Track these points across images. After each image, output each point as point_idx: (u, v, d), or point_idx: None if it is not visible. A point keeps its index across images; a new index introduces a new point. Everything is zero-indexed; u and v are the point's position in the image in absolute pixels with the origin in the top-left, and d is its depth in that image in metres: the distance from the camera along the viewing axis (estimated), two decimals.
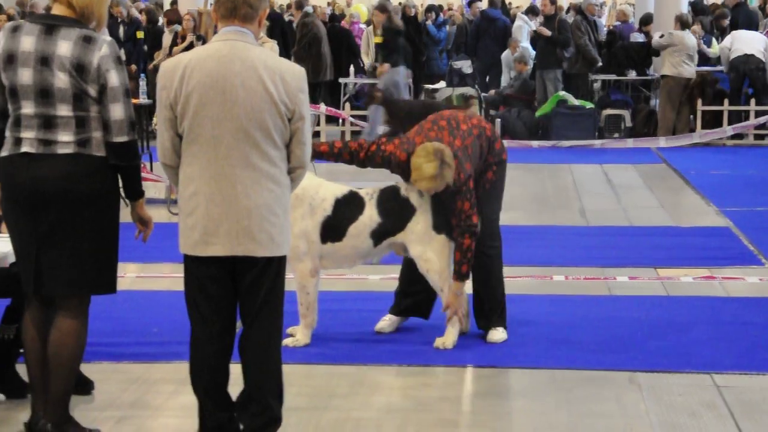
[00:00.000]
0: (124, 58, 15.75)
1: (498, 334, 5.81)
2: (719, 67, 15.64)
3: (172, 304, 6.01)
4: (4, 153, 4.29)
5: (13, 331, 4.85)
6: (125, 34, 16.32)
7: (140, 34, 16.23)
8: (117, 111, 4.24)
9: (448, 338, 5.67)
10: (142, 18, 16.78)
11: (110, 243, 4.35)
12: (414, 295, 5.96)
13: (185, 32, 14.55)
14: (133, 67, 15.34)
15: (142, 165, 10.95)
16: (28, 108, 4.23)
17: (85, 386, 4.97)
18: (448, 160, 5.39)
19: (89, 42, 4.22)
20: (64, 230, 4.24)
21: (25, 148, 4.23)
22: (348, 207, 5.65)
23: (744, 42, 14.79)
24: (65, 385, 4.35)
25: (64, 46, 4.20)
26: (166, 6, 20.10)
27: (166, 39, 15.21)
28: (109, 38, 4.31)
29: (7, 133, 4.29)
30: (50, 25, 4.24)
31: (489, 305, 5.88)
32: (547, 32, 15.26)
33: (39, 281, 4.28)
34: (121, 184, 4.39)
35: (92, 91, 4.23)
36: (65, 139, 4.22)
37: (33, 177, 4.21)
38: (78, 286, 4.32)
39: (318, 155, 5.70)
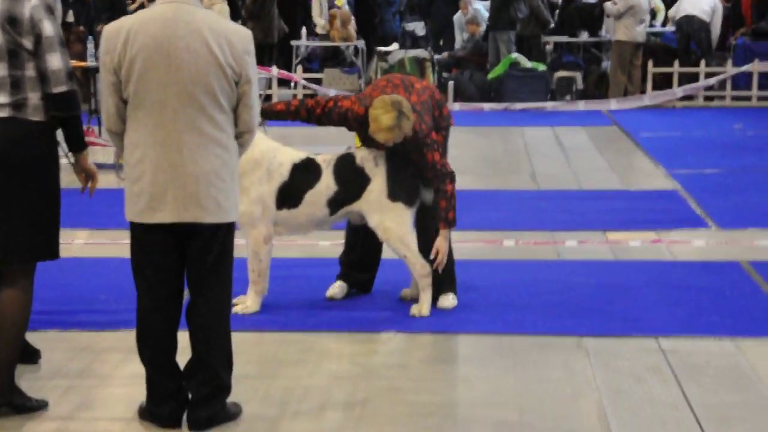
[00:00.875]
0: (72, 19, 15.58)
1: (448, 301, 5.83)
2: (670, 28, 15.74)
3: (120, 270, 5.96)
4: None
5: None
6: None
7: None
8: (54, 61, 4.20)
9: (423, 306, 5.66)
10: None
11: (48, 209, 4.30)
12: (359, 269, 5.98)
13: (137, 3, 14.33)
14: (81, 28, 15.08)
15: (90, 129, 10.85)
16: None
17: (31, 356, 4.92)
18: (406, 111, 5.40)
19: None
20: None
21: None
22: (305, 173, 5.61)
23: (689, 2, 14.88)
24: (10, 355, 4.32)
25: None
26: None
27: None
28: None
29: None
30: None
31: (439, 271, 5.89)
32: None
33: None
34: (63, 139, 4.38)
35: (27, 43, 4.18)
36: (1, 101, 4.17)
37: None
38: (15, 253, 4.27)
39: (275, 115, 5.71)
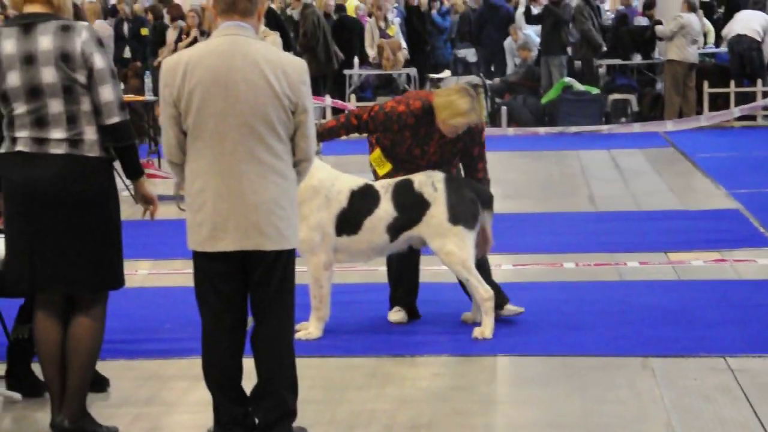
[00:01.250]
0: (129, 55, 15.86)
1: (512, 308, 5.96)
2: (723, 49, 15.61)
3: (184, 300, 6.01)
4: (2, 150, 4.36)
5: (28, 330, 4.88)
6: (130, 31, 16.36)
7: (144, 31, 16.26)
8: (106, 93, 4.28)
9: (486, 328, 5.64)
10: (147, 16, 16.79)
11: (110, 241, 4.37)
12: (405, 302, 6.05)
13: (189, 28, 14.57)
14: (138, 63, 15.35)
15: (149, 161, 11.01)
16: (20, 108, 4.28)
17: (100, 384, 4.99)
18: (474, 95, 5.52)
19: (68, 30, 4.27)
20: (58, 231, 4.29)
21: (19, 147, 4.29)
22: (364, 200, 5.64)
23: (739, 22, 14.77)
24: (82, 381, 4.40)
25: (45, 41, 4.24)
26: None
27: (171, 35, 15.24)
28: (86, 23, 4.37)
29: (5, 133, 4.35)
30: (26, 24, 4.29)
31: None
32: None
33: (34, 280, 4.32)
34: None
35: (81, 77, 4.27)
36: (57, 137, 4.27)
37: (26, 176, 4.27)
38: (80, 284, 4.36)
39: (328, 132, 5.79)
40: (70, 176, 4.27)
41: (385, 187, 5.69)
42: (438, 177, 5.66)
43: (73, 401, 4.39)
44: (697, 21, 14.69)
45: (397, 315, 6.00)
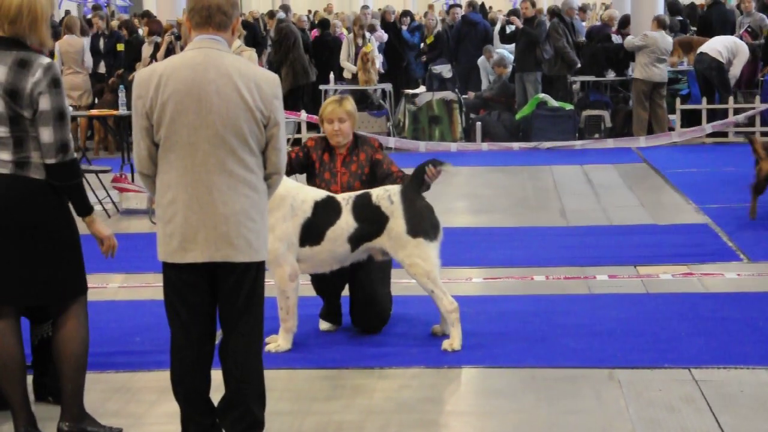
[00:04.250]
0: (104, 70, 15.81)
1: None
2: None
3: (154, 313, 6.04)
4: None
5: (49, 328, 4.96)
6: (105, 46, 16.33)
7: (120, 47, 16.24)
8: (45, 134, 4.31)
9: (455, 340, 5.69)
10: (123, 31, 16.78)
11: (59, 257, 4.41)
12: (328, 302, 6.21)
13: (164, 44, 14.56)
14: (113, 79, 15.33)
15: (123, 176, 11.00)
16: None
17: None
18: (344, 96, 6.30)
19: (23, 66, 4.28)
20: (3, 250, 4.32)
21: None
22: (326, 211, 5.71)
23: (707, 43, 14.90)
24: (75, 384, 4.49)
25: (0, 72, 4.26)
26: (146, 9, 20.03)
27: (146, 50, 15.22)
28: (46, 61, 4.33)
29: None
30: None
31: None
32: (519, 22, 15.55)
33: None
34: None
35: (27, 113, 4.30)
36: (3, 158, 4.31)
37: None
38: (27, 299, 4.45)
39: None
40: (14, 196, 4.31)
41: (345, 200, 5.76)
42: (394, 190, 5.75)
43: (71, 406, 4.48)
44: (663, 39, 14.80)
45: (324, 325, 6.19)
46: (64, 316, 4.49)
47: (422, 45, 17.26)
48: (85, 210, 4.49)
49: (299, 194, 5.69)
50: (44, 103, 4.27)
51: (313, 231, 5.67)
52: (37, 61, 4.30)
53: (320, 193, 5.78)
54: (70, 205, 4.50)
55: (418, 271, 5.65)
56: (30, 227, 4.32)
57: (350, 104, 6.14)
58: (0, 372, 4.45)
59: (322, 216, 5.69)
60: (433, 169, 5.73)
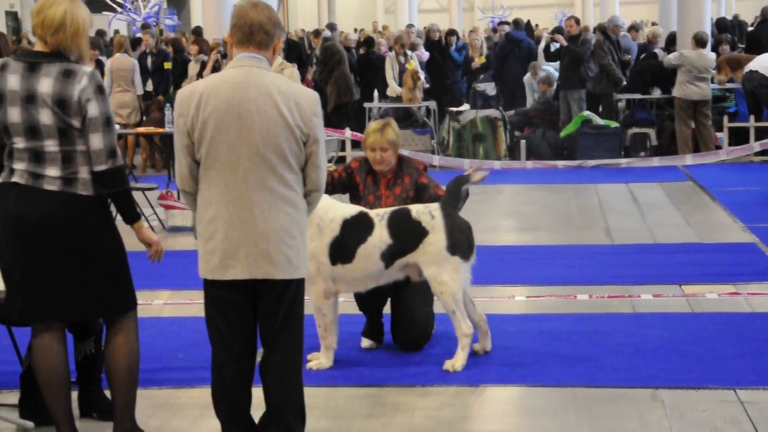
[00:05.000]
0: (151, 88, 15.97)
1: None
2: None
3: (198, 329, 6.06)
4: (1, 180, 4.45)
5: (93, 345, 5.04)
6: (153, 64, 16.52)
7: (168, 65, 16.42)
8: (96, 141, 4.35)
9: (458, 361, 5.68)
10: (169, 49, 16.97)
11: (104, 273, 4.44)
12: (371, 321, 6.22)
13: (210, 62, 14.71)
14: (161, 97, 15.50)
15: (169, 193, 11.10)
16: (19, 143, 4.38)
17: (111, 412, 5.03)
18: (386, 121, 6.35)
19: (69, 76, 4.34)
20: (49, 265, 4.37)
21: (15, 178, 4.38)
22: (356, 228, 5.68)
23: (755, 60, 14.74)
24: (126, 399, 4.55)
25: (46, 83, 4.33)
26: (197, 25, 20.20)
27: (192, 68, 15.39)
28: (89, 69, 4.40)
29: (5, 162, 4.45)
30: (32, 62, 4.37)
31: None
32: (563, 40, 15.51)
33: (24, 310, 4.42)
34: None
35: (76, 123, 4.35)
36: (52, 174, 4.35)
37: (20, 208, 4.36)
38: (71, 314, 4.49)
39: None
40: (62, 214, 4.35)
41: (380, 215, 5.74)
42: (434, 206, 5.73)
43: (123, 420, 4.55)
44: (700, 58, 14.63)
45: (366, 342, 6.18)
46: (114, 330, 4.54)
47: (473, 63, 17.24)
48: (133, 217, 4.54)
49: (328, 213, 5.67)
50: (93, 110, 4.33)
51: (342, 249, 5.65)
52: (81, 70, 4.37)
53: (351, 210, 5.76)
54: (116, 221, 4.55)
55: (445, 290, 5.63)
56: (78, 243, 4.37)
57: (392, 132, 6.12)
58: (45, 387, 4.49)
59: (352, 234, 5.66)
60: (477, 174, 5.80)
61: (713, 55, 15.05)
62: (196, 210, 4.26)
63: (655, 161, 14.67)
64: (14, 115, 4.35)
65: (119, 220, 4.58)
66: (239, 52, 4.22)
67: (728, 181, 12.94)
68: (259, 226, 4.12)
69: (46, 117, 4.32)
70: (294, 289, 4.22)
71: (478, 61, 17.26)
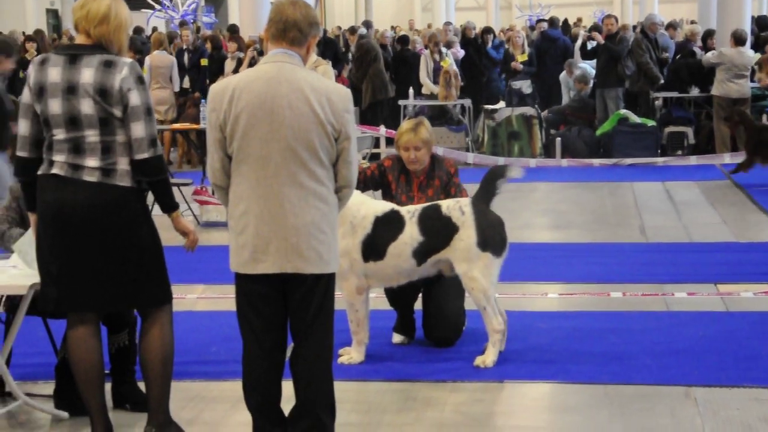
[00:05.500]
0: (188, 85, 16.05)
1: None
2: None
3: (231, 324, 6.07)
4: (40, 172, 4.49)
5: (126, 337, 5.09)
6: (189, 61, 16.61)
7: (204, 62, 16.51)
8: (137, 129, 4.39)
9: (488, 357, 5.67)
10: (208, 45, 17.06)
11: (141, 264, 4.48)
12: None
13: (247, 59, 14.79)
14: (197, 94, 15.60)
15: (203, 188, 11.16)
16: (59, 134, 4.42)
17: (145, 404, 5.08)
18: (420, 120, 6.32)
19: (110, 66, 4.39)
20: (87, 255, 4.40)
21: (55, 170, 4.42)
22: (387, 226, 5.69)
23: None
24: (161, 391, 4.58)
25: (87, 73, 4.37)
26: (233, 23, 20.29)
27: (229, 65, 15.47)
28: (129, 60, 4.46)
29: (44, 155, 4.48)
30: (73, 54, 4.43)
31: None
32: (600, 38, 15.41)
33: (59, 301, 4.46)
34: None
35: (117, 112, 4.39)
36: (92, 164, 4.39)
37: (58, 199, 4.40)
38: (107, 305, 4.53)
39: None
40: (101, 204, 4.39)
41: (411, 212, 5.74)
42: (465, 201, 5.73)
43: (157, 412, 4.58)
44: (739, 56, 14.48)
45: (397, 338, 6.19)
46: (149, 323, 4.58)
47: (513, 63, 17.16)
48: (172, 206, 4.59)
49: (360, 210, 5.68)
50: (134, 98, 4.38)
51: (374, 247, 5.67)
52: (122, 60, 4.43)
53: (383, 207, 5.77)
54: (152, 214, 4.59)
55: (476, 286, 5.62)
56: (116, 234, 4.41)
57: (425, 131, 6.11)
58: (80, 378, 4.54)
59: (383, 231, 5.67)
60: (515, 169, 5.86)
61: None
62: (227, 204, 4.29)
63: (692, 160, 14.55)
64: (55, 106, 4.39)
65: (154, 214, 4.61)
66: (273, 47, 4.25)
67: (766, 179, 12.79)
68: (289, 221, 4.14)
69: (87, 107, 4.36)
70: (324, 283, 4.24)
71: (520, 58, 17.17)
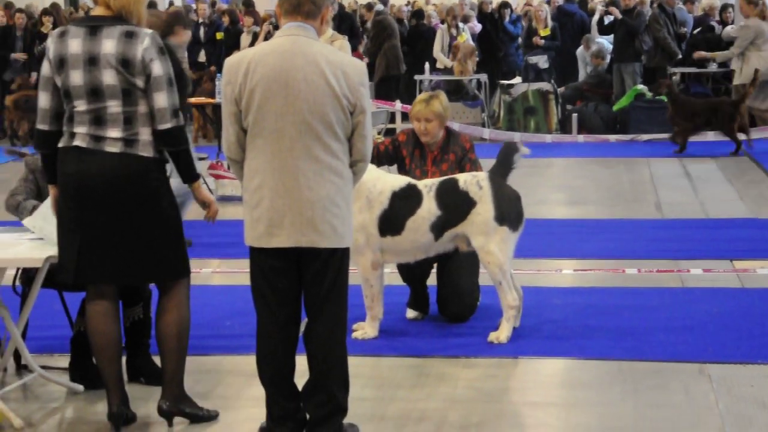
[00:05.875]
0: (204, 59, 16.01)
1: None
2: None
3: (245, 298, 6.07)
4: (61, 145, 4.48)
5: (141, 310, 5.11)
6: (205, 35, 16.59)
7: (220, 36, 16.48)
8: (160, 99, 4.38)
9: (503, 333, 5.67)
10: (223, 18, 17.02)
11: (162, 236, 4.48)
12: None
13: (262, 33, 14.77)
14: (213, 68, 15.58)
15: (219, 163, 11.15)
16: (80, 106, 4.41)
17: (159, 377, 5.10)
18: (434, 93, 6.36)
19: (131, 37, 4.38)
20: (107, 226, 4.41)
21: (76, 142, 4.42)
22: (405, 200, 5.67)
23: None
24: (176, 365, 4.60)
25: (109, 44, 4.36)
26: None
27: (245, 40, 15.45)
28: (150, 31, 4.45)
29: (64, 128, 4.47)
30: (93, 26, 4.41)
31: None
32: (617, 12, 15.28)
33: (77, 272, 4.46)
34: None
35: (140, 82, 4.38)
36: (114, 135, 4.38)
37: (80, 171, 4.40)
38: (126, 278, 4.54)
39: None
40: (123, 174, 4.39)
41: (428, 186, 5.73)
42: (482, 175, 5.71)
43: (171, 385, 4.60)
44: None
45: (411, 313, 6.19)
46: (166, 297, 4.59)
47: (534, 39, 17.02)
48: (193, 176, 4.60)
49: (377, 185, 5.66)
50: (157, 69, 4.38)
51: (392, 221, 5.65)
52: (143, 31, 4.42)
53: (400, 182, 5.75)
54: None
55: (492, 260, 5.61)
56: (136, 205, 4.41)
57: (439, 104, 6.08)
58: (97, 351, 4.56)
59: (401, 206, 5.66)
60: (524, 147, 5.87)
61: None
62: (242, 178, 4.29)
63: (710, 136, 14.43)
64: (76, 77, 4.39)
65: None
66: (287, 21, 4.23)
67: None
68: (304, 195, 4.14)
69: (109, 77, 4.36)
70: (339, 258, 4.24)
71: (543, 33, 17.01)
